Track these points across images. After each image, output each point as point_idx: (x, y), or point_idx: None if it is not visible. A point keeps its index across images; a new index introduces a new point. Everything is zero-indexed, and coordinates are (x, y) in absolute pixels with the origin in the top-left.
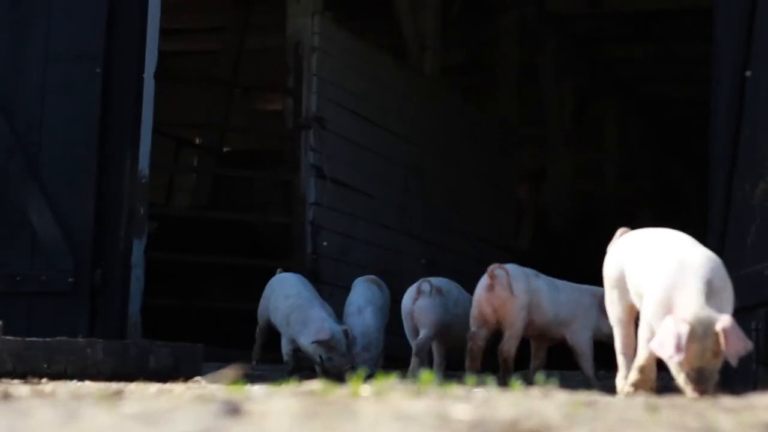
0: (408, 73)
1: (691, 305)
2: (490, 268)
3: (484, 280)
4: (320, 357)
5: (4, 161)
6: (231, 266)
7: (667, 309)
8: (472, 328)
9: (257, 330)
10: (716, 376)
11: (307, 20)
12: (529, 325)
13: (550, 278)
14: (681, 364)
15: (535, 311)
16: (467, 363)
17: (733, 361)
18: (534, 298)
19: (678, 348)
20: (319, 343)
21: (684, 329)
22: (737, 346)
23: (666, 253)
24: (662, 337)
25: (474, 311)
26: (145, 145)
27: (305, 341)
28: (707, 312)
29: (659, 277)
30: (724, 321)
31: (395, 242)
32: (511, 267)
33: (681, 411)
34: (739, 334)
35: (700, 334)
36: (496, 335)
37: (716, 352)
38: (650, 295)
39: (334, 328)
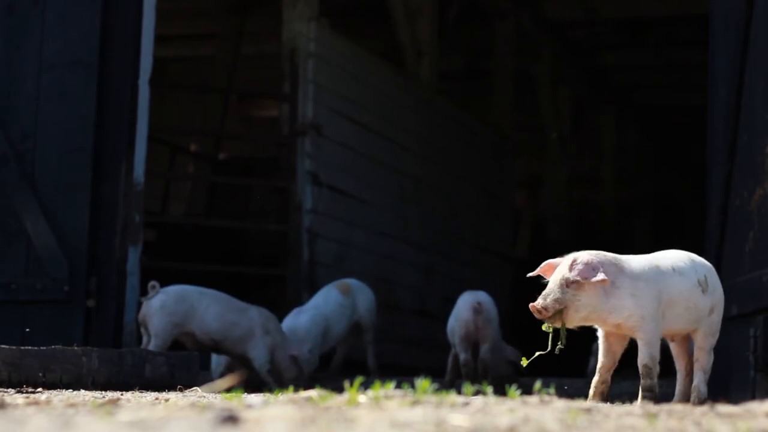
0: (404, 79)
1: None
2: None
3: None
4: None
5: None
6: (225, 274)
7: None
8: None
9: None
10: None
11: (303, 26)
12: None
13: None
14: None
15: None
16: None
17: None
18: None
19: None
20: None
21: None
22: (584, 272)
23: None
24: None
25: None
26: (140, 152)
27: None
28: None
29: None
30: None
31: (392, 249)
32: None
33: (679, 418)
34: (591, 269)
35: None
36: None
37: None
38: None
39: None
